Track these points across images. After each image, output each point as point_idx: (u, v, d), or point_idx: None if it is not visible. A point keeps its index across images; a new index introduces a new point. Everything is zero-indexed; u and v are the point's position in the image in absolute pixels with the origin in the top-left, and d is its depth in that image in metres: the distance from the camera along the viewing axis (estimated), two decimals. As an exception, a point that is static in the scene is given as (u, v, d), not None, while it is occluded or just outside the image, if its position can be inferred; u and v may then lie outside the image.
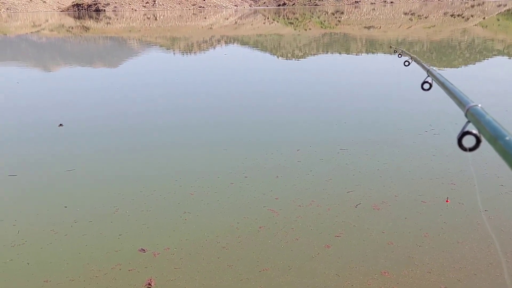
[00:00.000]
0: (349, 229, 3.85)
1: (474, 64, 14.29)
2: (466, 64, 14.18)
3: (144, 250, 3.61)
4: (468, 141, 1.03)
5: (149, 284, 3.23)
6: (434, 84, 1.88)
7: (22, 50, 24.60)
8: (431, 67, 2.07)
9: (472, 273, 3.21)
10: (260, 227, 3.87)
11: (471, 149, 1.04)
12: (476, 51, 17.73)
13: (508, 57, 15.51)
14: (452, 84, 1.51)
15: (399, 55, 4.06)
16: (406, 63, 3.20)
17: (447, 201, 4.19)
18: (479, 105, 1.13)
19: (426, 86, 1.98)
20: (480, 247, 3.52)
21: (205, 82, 11.62)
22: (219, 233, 3.82)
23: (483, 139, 1.01)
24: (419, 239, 3.68)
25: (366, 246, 3.61)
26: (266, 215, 4.08)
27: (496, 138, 0.91)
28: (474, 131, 1.03)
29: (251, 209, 4.21)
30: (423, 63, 2.42)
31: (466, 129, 1.05)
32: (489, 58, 15.61)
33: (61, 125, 7.06)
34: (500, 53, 16.80)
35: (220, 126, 7.15)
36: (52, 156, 5.85)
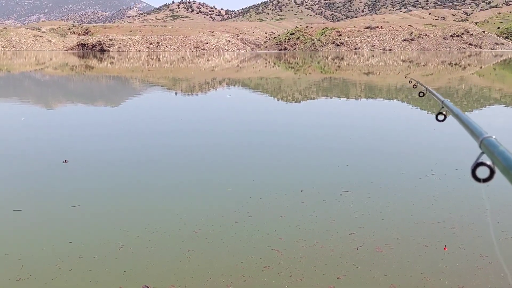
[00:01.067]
0: (352, 271, 3.87)
1: (472, 111, 14.57)
2: (464, 112, 14.42)
3: (148, 287, 3.62)
4: (482, 173, 1.04)
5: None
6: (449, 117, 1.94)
7: (25, 87, 24.96)
8: (446, 99, 2.11)
9: None
10: (264, 267, 3.90)
11: (485, 180, 1.04)
12: (474, 99, 18.09)
13: (505, 106, 15.84)
14: (466, 115, 1.54)
15: (414, 86, 4.17)
16: (421, 94, 3.31)
17: (444, 248, 4.21)
18: (493, 137, 1.14)
19: (441, 117, 2.03)
20: None
21: (208, 122, 11.81)
22: (223, 271, 3.83)
23: (497, 170, 1.01)
24: (420, 283, 3.70)
25: (369, 288, 3.63)
26: (270, 254, 4.11)
27: (509, 169, 0.92)
28: (488, 162, 1.04)
29: (255, 249, 4.24)
30: (437, 95, 2.44)
31: (480, 160, 1.05)
32: (487, 106, 15.94)
33: (66, 161, 7.15)
34: (497, 101, 17.15)
35: (224, 166, 7.24)
36: (57, 192, 5.90)
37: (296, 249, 4.22)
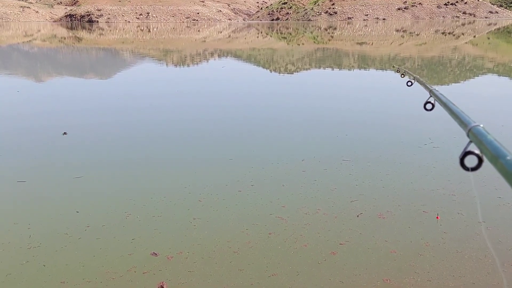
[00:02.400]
0: (354, 237, 3.98)
1: (464, 81, 14.63)
2: (456, 81, 14.51)
3: (156, 254, 3.70)
4: (470, 161, 1.04)
5: (161, 287, 3.32)
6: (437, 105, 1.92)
7: (13, 60, 24.55)
8: (434, 87, 2.11)
9: (471, 282, 3.32)
10: (269, 233, 3.99)
11: (473, 169, 1.04)
12: (467, 69, 18.11)
13: (498, 75, 15.90)
14: (454, 104, 1.53)
15: (402, 75, 4.06)
16: (409, 83, 3.24)
17: (437, 217, 4.28)
18: (481, 125, 1.13)
19: (429, 106, 2.02)
20: (478, 257, 3.64)
21: (207, 94, 11.79)
22: (230, 238, 3.93)
23: (485, 158, 1.01)
24: (420, 248, 3.80)
25: (370, 253, 3.73)
26: (274, 222, 4.21)
27: (497, 158, 0.92)
28: (476, 151, 1.03)
29: (259, 216, 4.33)
30: (426, 84, 2.44)
31: (468, 149, 1.05)
32: (479, 76, 15.99)
33: (65, 133, 7.14)
34: (490, 71, 17.19)
35: (224, 138, 7.29)
36: (59, 163, 5.93)
37: (299, 216, 4.31)
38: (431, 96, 2.01)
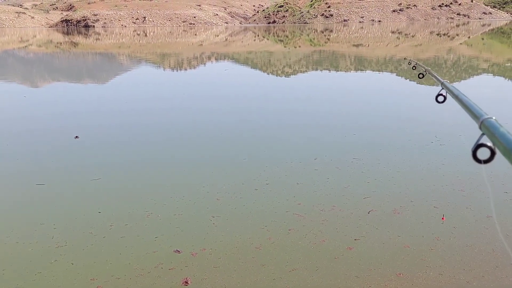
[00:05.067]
0: (369, 233, 4.09)
1: (460, 81, 14.80)
2: (452, 82, 14.64)
3: (179, 251, 3.81)
4: (483, 154, 1.05)
5: (186, 283, 3.43)
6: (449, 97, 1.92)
7: (8, 66, 24.54)
8: (445, 80, 2.12)
9: (481, 275, 3.42)
10: (289, 229, 4.11)
11: (486, 162, 1.03)
12: (462, 69, 18.32)
13: (492, 75, 16.10)
14: (466, 96, 1.51)
15: (413, 67, 4.17)
16: (421, 75, 3.34)
17: (443, 218, 4.34)
18: (493, 118, 1.12)
19: (441, 98, 2.01)
20: (487, 251, 3.75)
21: (215, 97, 11.93)
22: (250, 235, 4.04)
23: (497, 151, 1.00)
24: (432, 243, 3.91)
25: (385, 249, 3.83)
26: (293, 218, 4.33)
27: (510, 151, 0.91)
28: (489, 144, 1.02)
29: (277, 214, 4.45)
30: (437, 76, 2.44)
31: (480, 142, 1.04)
32: (474, 76, 16.18)
33: (77, 137, 7.23)
34: (485, 71, 17.41)
35: (237, 140, 7.42)
36: (76, 167, 6.03)
37: (316, 213, 4.43)
38: (442, 89, 2.00)
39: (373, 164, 5.81)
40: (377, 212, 4.46)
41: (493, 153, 1.02)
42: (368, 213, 4.45)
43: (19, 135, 7.86)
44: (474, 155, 1.04)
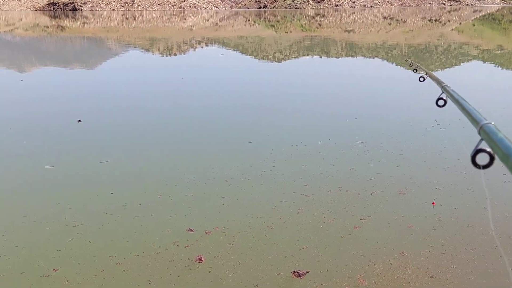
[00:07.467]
0: (375, 213, 4.23)
1: (450, 68, 14.99)
2: (442, 68, 14.87)
3: (192, 230, 3.92)
4: (482, 159, 1.06)
5: (200, 260, 3.55)
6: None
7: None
8: (446, 84, 2.14)
9: (481, 255, 3.56)
10: (299, 209, 4.24)
11: (485, 167, 1.04)
12: (452, 56, 18.51)
13: (482, 62, 16.31)
14: (466, 101, 1.52)
15: (414, 70, 4.02)
16: (421, 79, 3.31)
17: (433, 203, 4.43)
18: (492, 123, 1.13)
19: (441, 102, 2.05)
20: (487, 231, 3.90)
21: (216, 80, 11.96)
22: (262, 214, 4.16)
23: (496, 156, 1.00)
24: (435, 223, 4.07)
25: (389, 228, 3.97)
26: (301, 199, 4.46)
27: (508, 156, 0.92)
28: (488, 149, 1.03)
29: (285, 194, 4.57)
30: (438, 79, 2.44)
31: (479, 147, 1.05)
32: (465, 63, 16.38)
33: (79, 120, 7.26)
34: (475, 57, 17.62)
35: (243, 122, 7.54)
36: (83, 150, 6.08)
37: (323, 194, 4.57)
38: (443, 92, 2.01)
39: (376, 147, 5.95)
40: (382, 193, 4.61)
41: (492, 159, 1.03)
42: (371, 194, 4.58)
43: (20, 119, 7.84)
44: (473, 160, 1.05)
